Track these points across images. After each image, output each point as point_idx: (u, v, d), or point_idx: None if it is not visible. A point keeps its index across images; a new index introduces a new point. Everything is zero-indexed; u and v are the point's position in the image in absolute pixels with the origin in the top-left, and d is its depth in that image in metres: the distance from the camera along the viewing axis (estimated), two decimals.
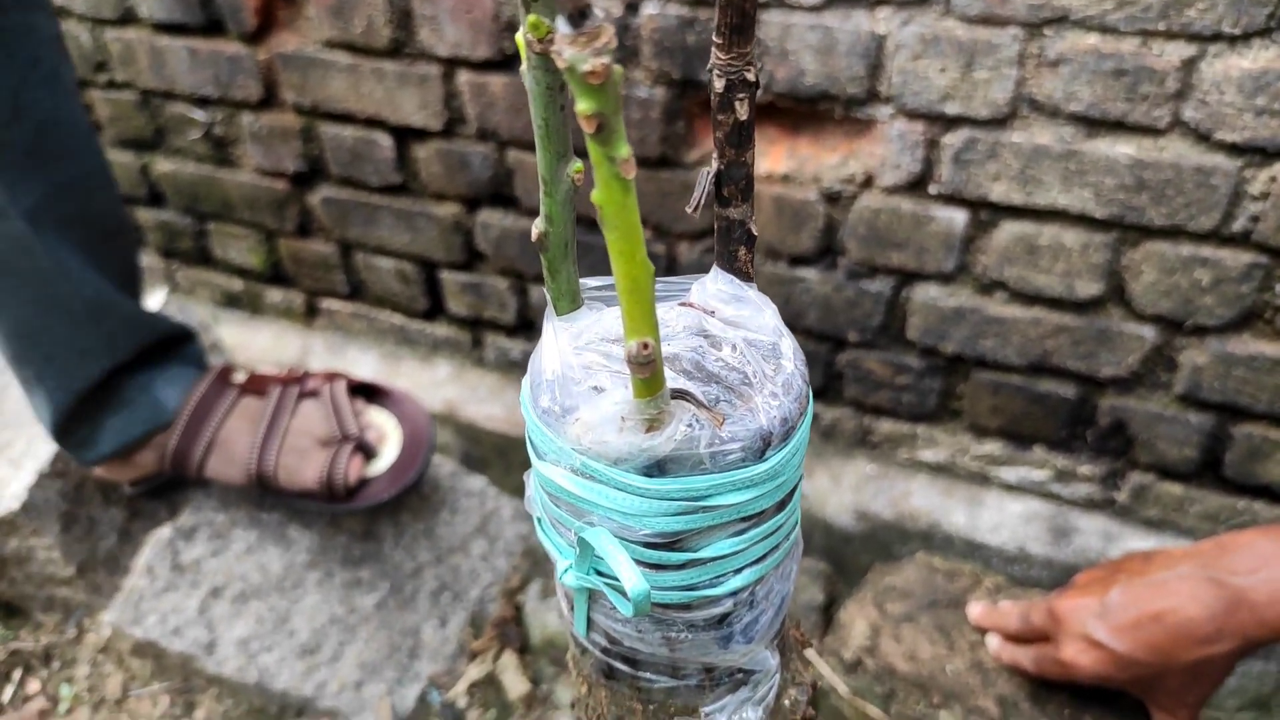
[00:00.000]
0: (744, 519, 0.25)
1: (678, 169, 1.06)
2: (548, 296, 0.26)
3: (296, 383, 0.83)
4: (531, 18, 0.20)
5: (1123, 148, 0.88)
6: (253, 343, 1.45)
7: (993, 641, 0.74)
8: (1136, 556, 0.67)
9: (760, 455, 0.24)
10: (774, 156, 1.03)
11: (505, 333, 1.30)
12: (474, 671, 0.78)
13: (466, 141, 1.16)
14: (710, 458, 0.23)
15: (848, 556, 1.13)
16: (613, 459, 0.23)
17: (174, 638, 0.76)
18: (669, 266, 1.13)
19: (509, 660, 0.78)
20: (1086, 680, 0.65)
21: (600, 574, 0.26)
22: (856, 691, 0.70)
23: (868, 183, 0.99)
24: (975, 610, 0.76)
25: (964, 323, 1.02)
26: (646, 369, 0.21)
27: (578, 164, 0.23)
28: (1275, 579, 0.57)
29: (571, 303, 0.25)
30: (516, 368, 1.31)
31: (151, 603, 0.78)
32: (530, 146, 1.13)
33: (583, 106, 0.18)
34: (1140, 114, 0.86)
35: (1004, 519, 1.10)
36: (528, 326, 1.27)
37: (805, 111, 0.99)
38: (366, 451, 0.80)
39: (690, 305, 0.27)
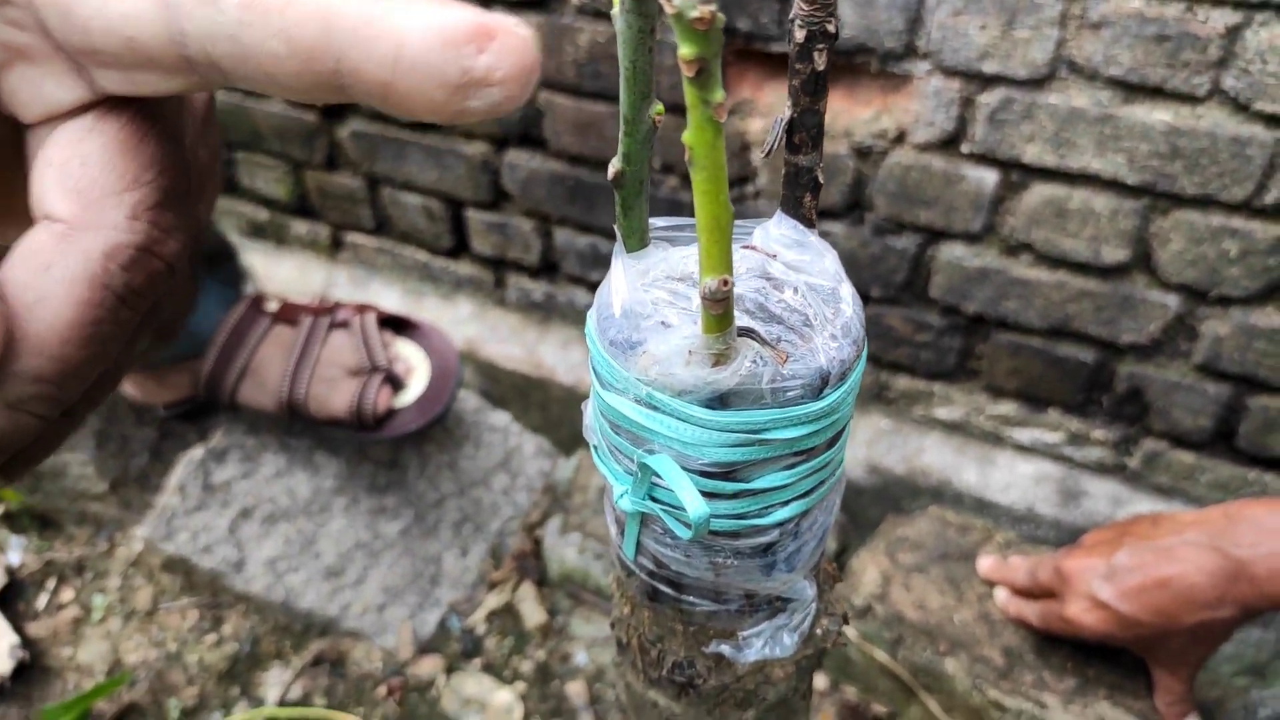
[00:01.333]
0: (796, 454, 0.26)
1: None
2: (618, 233, 0.27)
3: (327, 313, 0.84)
4: None
5: (1159, 114, 0.88)
6: (277, 273, 1.46)
7: (1000, 595, 0.76)
8: (1144, 520, 0.69)
9: (818, 394, 0.25)
10: None
11: (528, 274, 1.31)
12: (493, 600, 0.80)
13: None
14: (771, 393, 0.24)
15: (859, 508, 1.15)
16: (677, 391, 0.25)
17: (204, 555, 0.78)
18: (693, 213, 1.13)
19: (527, 591, 0.80)
20: (1090, 638, 0.67)
21: (655, 500, 0.27)
22: (865, 636, 0.72)
23: (900, 139, 0.99)
24: (985, 564, 0.77)
25: (988, 283, 1.03)
26: (720, 305, 0.22)
27: (659, 105, 0.23)
28: (1277, 553, 0.59)
29: (640, 241, 0.26)
30: (538, 309, 1.32)
31: (183, 520, 0.80)
32: (562, 88, 1.13)
33: (685, 51, 0.19)
34: (1179, 81, 0.86)
35: (1015, 479, 1.11)
36: (551, 269, 1.28)
37: (841, 64, 0.99)
38: (395, 383, 0.82)
39: (753, 248, 0.28)
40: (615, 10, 0.22)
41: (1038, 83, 0.91)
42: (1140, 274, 0.96)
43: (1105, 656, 0.72)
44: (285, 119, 1.33)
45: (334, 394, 0.79)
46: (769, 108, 1.02)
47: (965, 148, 0.97)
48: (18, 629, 0.83)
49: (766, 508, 0.26)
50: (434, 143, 1.24)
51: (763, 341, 0.24)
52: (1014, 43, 0.89)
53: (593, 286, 1.26)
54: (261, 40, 0.22)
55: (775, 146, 0.27)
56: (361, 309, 0.85)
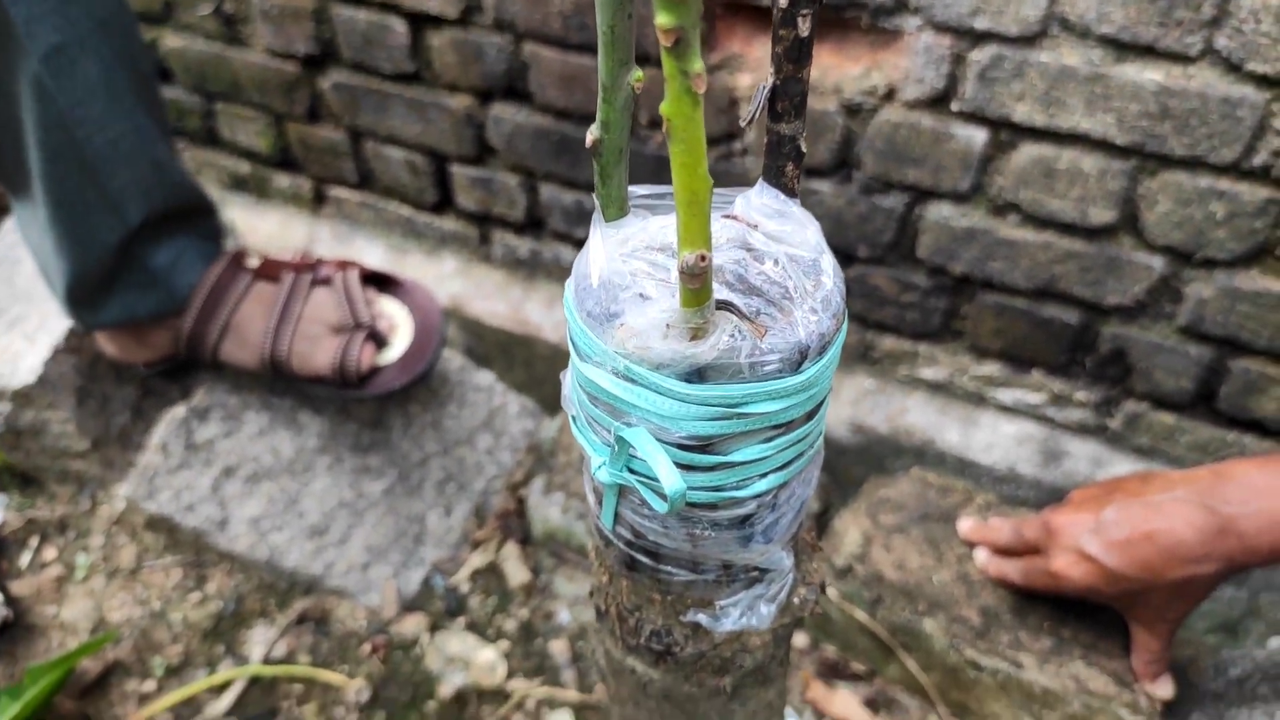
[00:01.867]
0: (774, 427, 0.26)
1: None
2: (596, 202, 0.27)
3: (309, 269, 0.83)
4: None
5: (1151, 74, 0.87)
6: (259, 227, 1.44)
7: (980, 555, 0.76)
8: (1134, 477, 0.69)
9: (796, 368, 0.25)
10: None
11: (513, 230, 1.30)
12: (476, 559, 0.80)
13: (482, 31, 1.13)
14: (749, 368, 0.24)
15: (842, 468, 1.15)
16: (655, 364, 0.24)
17: (187, 513, 0.78)
18: None
19: (511, 550, 0.80)
20: (1074, 592, 0.68)
21: (633, 472, 0.27)
22: (845, 596, 0.73)
23: (889, 96, 0.98)
24: (965, 525, 0.78)
25: (974, 244, 1.03)
26: (698, 280, 0.22)
27: (638, 72, 0.23)
28: (1265, 510, 0.60)
29: (619, 210, 0.26)
30: (523, 265, 1.31)
31: (165, 479, 0.80)
32: (547, 40, 1.11)
33: (662, 20, 0.19)
34: (1172, 40, 0.85)
35: (997, 439, 1.12)
36: (536, 225, 1.27)
37: (831, 19, 0.97)
38: (378, 340, 0.81)
39: (734, 218, 0.28)
40: None
41: (1029, 40, 0.90)
42: (1126, 235, 0.96)
43: (1081, 616, 0.73)
44: (265, 69, 1.30)
45: (317, 351, 0.79)
46: (758, 62, 1.01)
47: (955, 106, 0.96)
48: (1, 587, 0.83)
49: (744, 480, 0.26)
50: (417, 95, 1.22)
51: (741, 315, 0.24)
52: None
53: (578, 243, 1.25)
54: None
55: (756, 114, 0.26)
56: (344, 265, 0.84)
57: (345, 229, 1.42)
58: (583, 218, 1.22)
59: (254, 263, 0.83)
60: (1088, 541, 0.65)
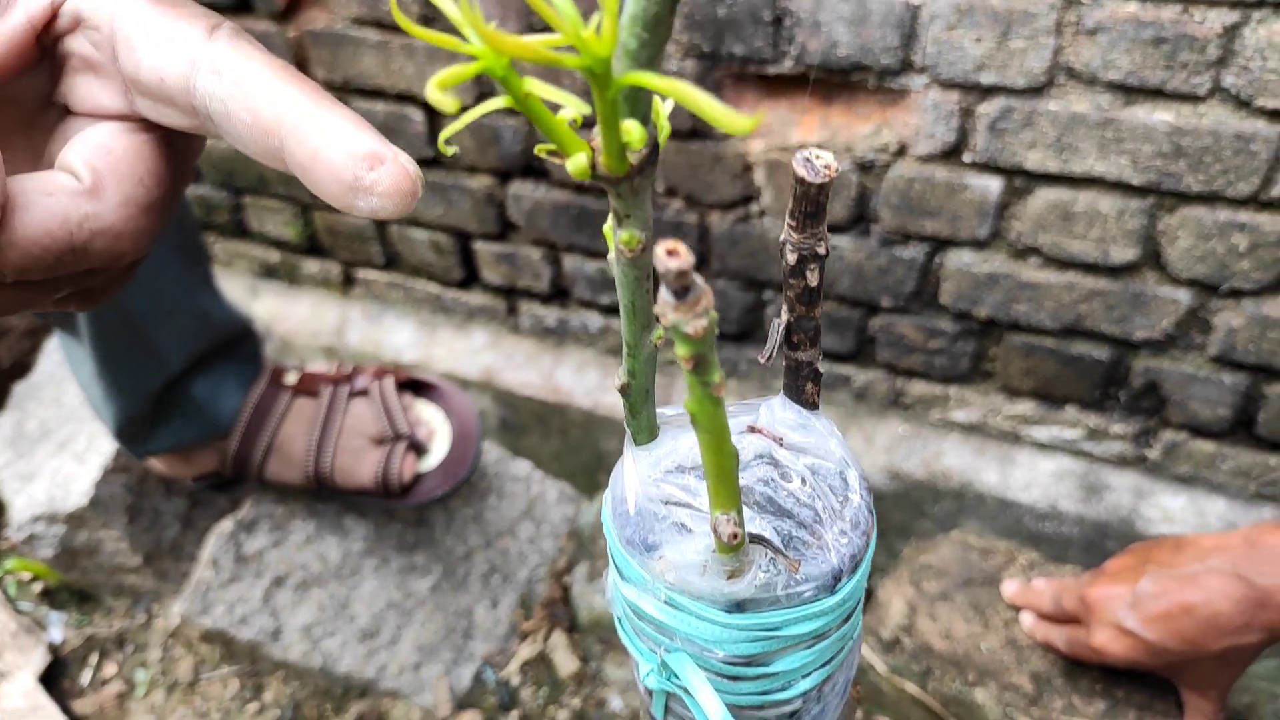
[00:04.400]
0: (814, 637, 0.27)
1: (708, 140, 1.06)
2: (627, 430, 0.28)
3: (346, 381, 0.85)
4: (625, 234, 0.21)
5: (1161, 115, 0.87)
6: (291, 313, 1.47)
7: (1026, 619, 0.76)
8: (1166, 545, 0.69)
9: (832, 590, 0.26)
10: (806, 126, 1.02)
11: (540, 300, 1.31)
12: (526, 651, 0.81)
13: (498, 115, 1.16)
14: (786, 597, 0.25)
15: (882, 514, 1.15)
16: (695, 596, 0.25)
17: (241, 626, 0.80)
18: (701, 235, 1.13)
19: (559, 639, 0.81)
20: (1118, 665, 0.68)
21: (673, 680, 0.28)
22: (894, 669, 0.73)
23: (901, 152, 0.99)
24: (1009, 588, 0.78)
25: (997, 288, 1.03)
26: (732, 540, 0.23)
27: (659, 330, 0.24)
28: None
29: (649, 434, 0.27)
30: (551, 334, 1.33)
31: (218, 593, 0.81)
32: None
33: (682, 351, 0.20)
34: (1179, 81, 0.85)
35: (1035, 477, 1.12)
36: (562, 294, 1.29)
37: (838, 82, 0.98)
38: (418, 449, 0.83)
39: (758, 431, 0.29)
40: (611, 257, 0.23)
41: (1036, 91, 0.90)
42: (1150, 271, 0.96)
43: (1134, 678, 0.72)
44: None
45: (359, 465, 0.80)
46: (767, 128, 1.02)
47: (967, 157, 0.96)
48: (65, 708, 0.85)
49: (787, 684, 0.27)
50: (438, 179, 1.25)
51: (775, 550, 0.25)
52: (1010, 53, 0.89)
53: (604, 310, 1.26)
54: (238, 109, 0.30)
55: (774, 350, 0.27)
56: (379, 374, 0.86)
57: (375, 309, 1.44)
58: (606, 285, 1.24)
59: (292, 378, 0.85)
60: (1126, 616, 0.65)
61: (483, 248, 1.29)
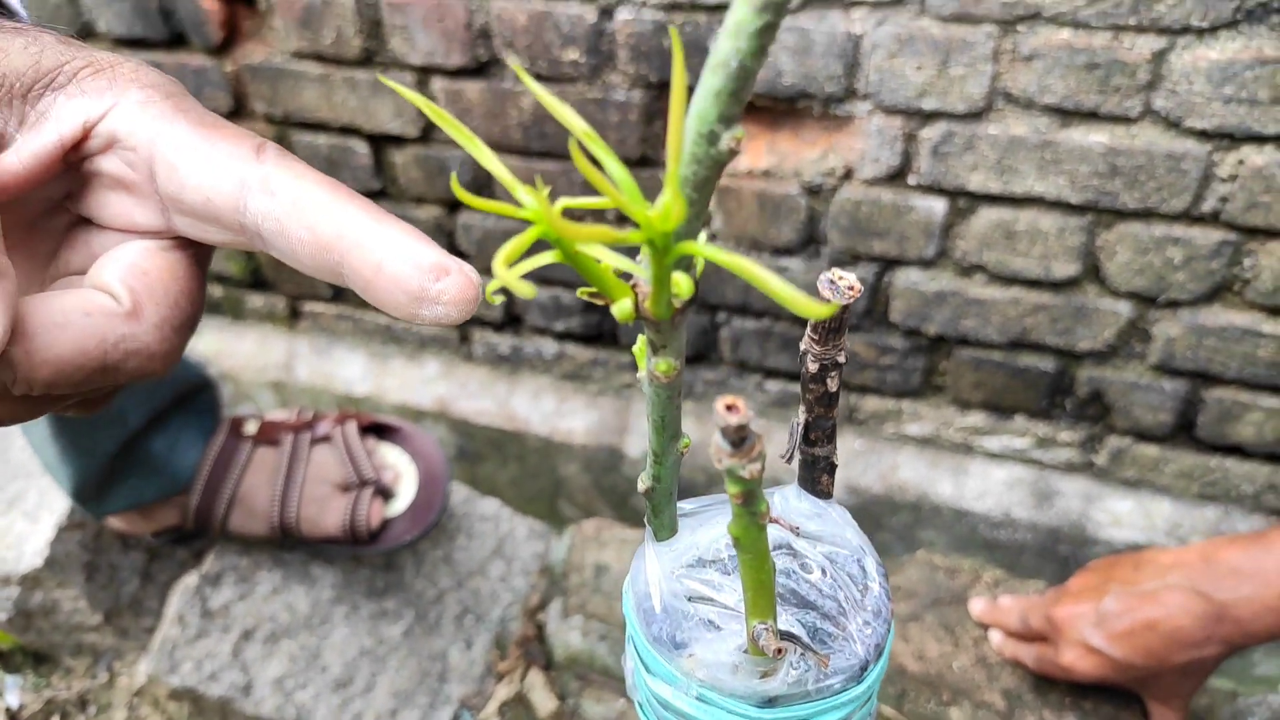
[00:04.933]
0: None
1: (658, 168, 1.07)
2: (648, 526, 0.29)
3: (308, 428, 0.84)
4: (661, 363, 0.22)
5: (1096, 136, 0.90)
6: (236, 349, 1.45)
7: (995, 637, 0.78)
8: (1125, 563, 0.72)
9: (858, 679, 0.27)
10: (754, 152, 1.04)
11: (492, 329, 1.31)
12: (502, 691, 0.81)
13: (444, 146, 1.15)
14: (816, 691, 0.26)
15: None
16: (727, 693, 0.26)
17: (211, 683, 0.78)
18: None
19: (535, 678, 0.81)
20: (1086, 682, 0.70)
21: None
22: None
23: (848, 175, 1.01)
24: (977, 607, 0.80)
25: (945, 305, 1.05)
26: (777, 654, 0.24)
27: (686, 440, 0.25)
28: (1255, 597, 0.63)
29: (671, 531, 0.28)
30: (505, 361, 1.33)
31: (185, 650, 0.80)
32: (510, 150, 1.13)
33: (734, 490, 0.21)
34: (1113, 104, 0.88)
35: (989, 486, 1.15)
36: (515, 321, 1.29)
37: (784, 109, 1.00)
38: (384, 493, 0.82)
39: (775, 521, 0.29)
40: (641, 376, 0.24)
41: (976, 115, 0.93)
42: (1091, 285, 0.99)
43: (1101, 691, 0.75)
44: None
45: (325, 513, 0.79)
46: (782, 155, 1.03)
47: (912, 180, 0.99)
48: None
49: None
50: (386, 209, 1.24)
51: (805, 647, 0.26)
52: (950, 80, 0.91)
53: (558, 336, 1.27)
54: (295, 227, 0.31)
55: (794, 449, 0.28)
56: (341, 419, 0.86)
57: (324, 342, 1.43)
58: (560, 311, 1.24)
59: (252, 428, 0.84)
60: (1091, 635, 0.68)
61: None
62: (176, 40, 1.17)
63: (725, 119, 0.20)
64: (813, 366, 0.27)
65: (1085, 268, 0.98)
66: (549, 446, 1.30)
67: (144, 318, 0.32)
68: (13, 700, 0.87)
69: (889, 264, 1.05)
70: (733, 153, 0.20)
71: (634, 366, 1.27)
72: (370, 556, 0.85)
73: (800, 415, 0.28)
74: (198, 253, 0.35)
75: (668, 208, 0.19)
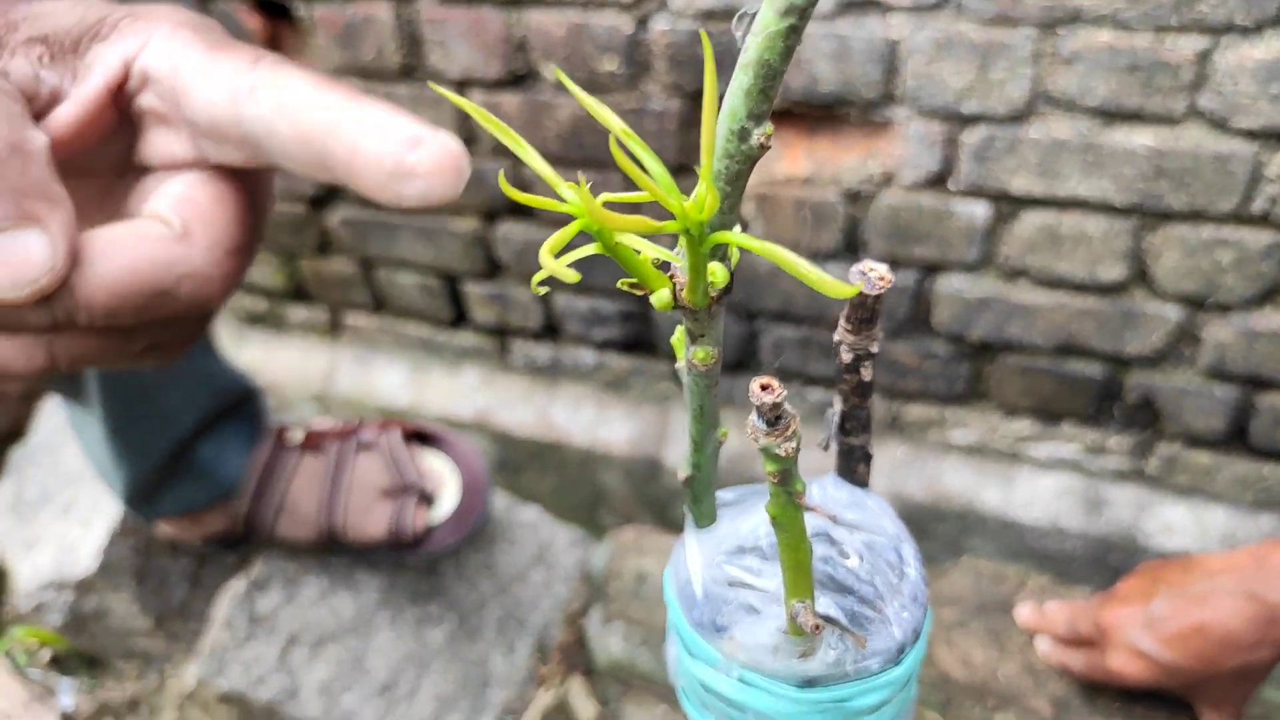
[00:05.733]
0: (879, 705, 0.28)
1: (696, 176, 1.08)
2: (688, 513, 0.29)
3: (352, 435, 0.85)
4: (700, 351, 0.22)
5: (1140, 138, 0.89)
6: (278, 360, 1.47)
7: (1042, 644, 0.77)
8: (1175, 566, 0.70)
9: (896, 661, 0.27)
10: (791, 159, 1.04)
11: (532, 338, 1.32)
12: (544, 697, 0.81)
13: (482, 158, 1.17)
14: (854, 671, 0.26)
15: None
16: (767, 675, 0.26)
17: (258, 687, 0.80)
18: None
19: (576, 684, 0.81)
20: (1135, 687, 0.69)
21: None
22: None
23: (887, 181, 1.00)
24: (1023, 613, 0.79)
25: (989, 310, 1.04)
26: (815, 631, 0.24)
27: (724, 429, 0.25)
28: None
29: (710, 519, 0.28)
30: (544, 372, 1.33)
31: (233, 654, 0.81)
32: (547, 158, 1.13)
33: (770, 468, 0.21)
34: (1156, 105, 0.87)
35: (1036, 494, 1.13)
36: (553, 331, 1.30)
37: (822, 115, 1.00)
38: (428, 500, 0.83)
39: (813, 509, 0.29)
40: (680, 366, 0.24)
41: (1017, 118, 0.92)
42: (1138, 289, 0.98)
43: (1150, 698, 0.73)
44: (274, 212, 1.34)
45: (370, 519, 0.80)
46: (821, 161, 1.03)
47: (953, 184, 0.98)
48: None
49: None
50: (425, 223, 1.25)
51: (843, 629, 0.26)
52: (990, 83, 0.91)
53: (598, 345, 1.27)
54: (282, 126, 0.31)
55: (831, 438, 0.28)
56: (384, 426, 0.87)
57: (365, 353, 1.44)
58: (599, 321, 1.24)
59: (297, 436, 0.85)
60: (1140, 639, 0.66)
61: (472, 288, 1.30)
62: None
63: (755, 116, 0.20)
64: (847, 356, 0.27)
65: (1132, 271, 0.97)
66: (588, 457, 1.30)
67: (195, 241, 0.33)
68: (67, 702, 0.88)
69: (930, 269, 1.04)
70: (763, 148, 0.21)
71: (673, 376, 1.27)
72: (414, 562, 0.85)
73: (836, 405, 0.28)
74: (247, 180, 0.36)
75: (701, 198, 0.20)
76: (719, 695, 0.27)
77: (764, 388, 0.20)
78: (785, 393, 0.20)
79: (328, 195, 1.29)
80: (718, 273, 0.22)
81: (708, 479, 0.27)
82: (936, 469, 1.17)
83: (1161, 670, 0.66)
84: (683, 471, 0.26)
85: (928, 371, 1.12)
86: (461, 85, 1.11)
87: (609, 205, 0.26)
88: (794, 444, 0.20)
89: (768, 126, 0.21)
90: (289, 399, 1.46)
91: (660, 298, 0.22)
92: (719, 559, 0.27)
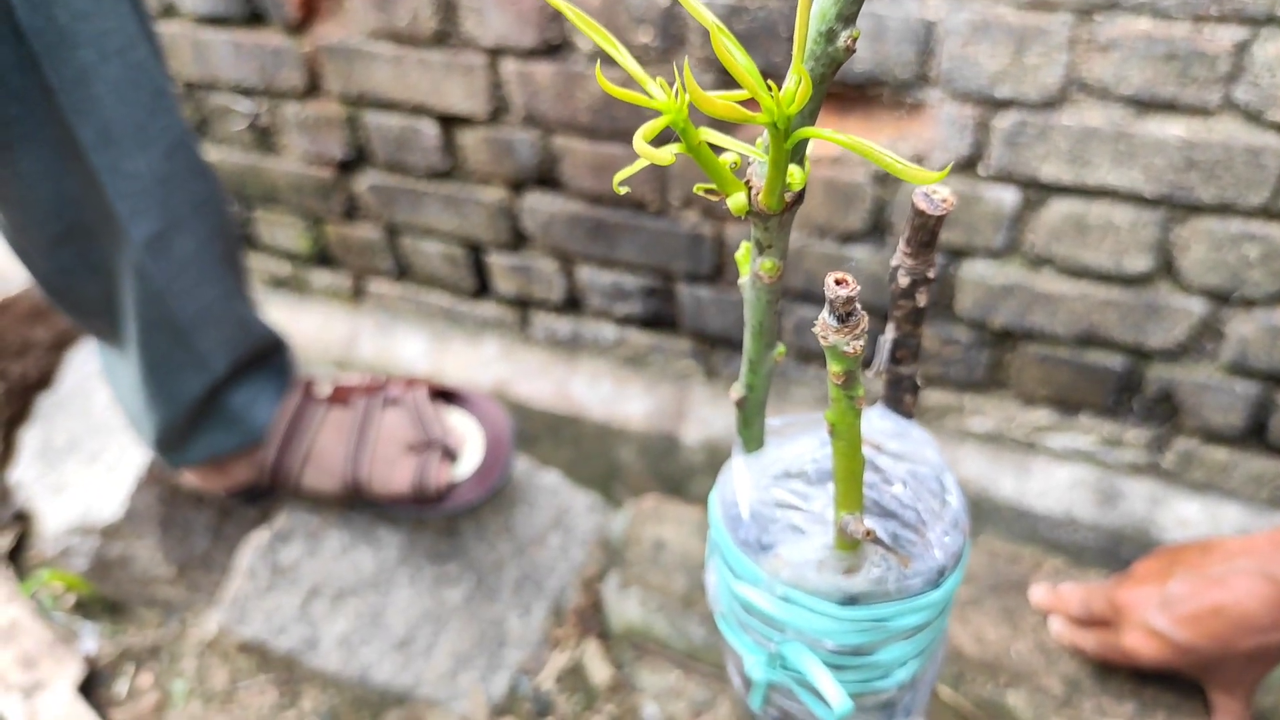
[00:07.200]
0: (916, 628, 0.29)
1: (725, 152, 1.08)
2: (738, 438, 0.29)
3: (379, 391, 0.86)
4: (766, 262, 0.23)
5: (1173, 129, 0.89)
6: (301, 325, 1.48)
7: (1055, 624, 0.78)
8: (1193, 548, 0.71)
9: (936, 584, 0.27)
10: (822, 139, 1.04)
11: (553, 311, 1.33)
12: (559, 659, 0.82)
13: (512, 128, 1.17)
14: (896, 590, 0.26)
15: None
16: (811, 592, 0.27)
17: (279, 636, 0.81)
18: (716, 246, 1.15)
19: (591, 647, 0.82)
20: (1148, 667, 0.69)
21: (786, 669, 0.29)
22: None
23: (918, 163, 1.01)
24: (1038, 593, 0.79)
25: (1012, 298, 1.04)
26: (854, 538, 0.24)
27: (781, 348, 0.26)
28: None
29: (759, 444, 0.29)
30: (564, 345, 1.34)
31: (256, 603, 0.82)
32: (578, 132, 1.14)
33: (835, 368, 0.22)
34: (1191, 96, 0.87)
35: (1051, 485, 1.13)
36: (574, 305, 1.30)
37: (854, 95, 1.00)
38: (451, 455, 0.84)
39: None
40: (744, 280, 0.24)
41: (1050, 104, 0.92)
42: (1163, 281, 0.98)
43: (1162, 680, 0.74)
44: (301, 176, 1.35)
45: (394, 472, 0.81)
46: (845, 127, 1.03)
47: (982, 169, 0.98)
48: (103, 718, 0.86)
49: (887, 673, 0.29)
50: (451, 191, 1.26)
51: (887, 548, 0.26)
52: (1024, 68, 0.91)
53: (619, 320, 1.28)
54: None
55: (883, 364, 0.29)
56: (411, 384, 0.88)
57: (386, 320, 1.45)
58: (621, 295, 1.25)
59: (325, 390, 0.86)
60: (1155, 618, 0.67)
61: (496, 259, 1.31)
62: (255, 18, 1.21)
63: (844, 18, 0.21)
64: (904, 281, 0.28)
65: (1158, 263, 0.97)
66: (605, 431, 1.31)
67: None
68: (90, 646, 0.90)
69: (956, 254, 1.05)
70: (849, 50, 0.21)
71: (693, 354, 1.27)
72: (434, 520, 0.86)
73: (889, 332, 0.29)
74: None
75: (790, 91, 0.20)
76: (760, 614, 0.28)
77: (839, 281, 0.20)
78: (859, 288, 0.20)
79: (356, 160, 1.30)
80: (795, 175, 0.22)
81: (760, 401, 0.27)
82: (952, 456, 1.18)
83: (1176, 650, 0.67)
84: (735, 392, 0.27)
85: (948, 357, 1.12)
86: (495, 54, 1.12)
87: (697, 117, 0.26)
88: (861, 342, 0.21)
89: (854, 29, 0.21)
90: (310, 364, 1.47)
91: (736, 201, 0.23)
92: (765, 483, 0.28)
